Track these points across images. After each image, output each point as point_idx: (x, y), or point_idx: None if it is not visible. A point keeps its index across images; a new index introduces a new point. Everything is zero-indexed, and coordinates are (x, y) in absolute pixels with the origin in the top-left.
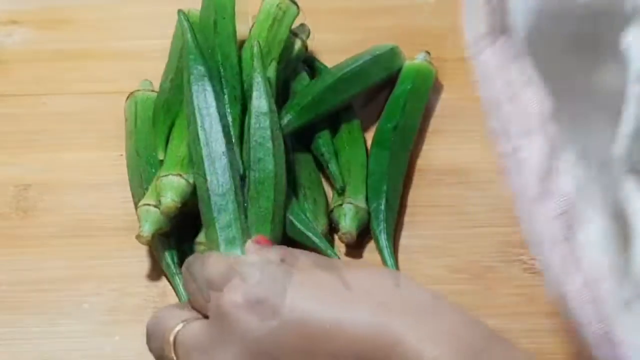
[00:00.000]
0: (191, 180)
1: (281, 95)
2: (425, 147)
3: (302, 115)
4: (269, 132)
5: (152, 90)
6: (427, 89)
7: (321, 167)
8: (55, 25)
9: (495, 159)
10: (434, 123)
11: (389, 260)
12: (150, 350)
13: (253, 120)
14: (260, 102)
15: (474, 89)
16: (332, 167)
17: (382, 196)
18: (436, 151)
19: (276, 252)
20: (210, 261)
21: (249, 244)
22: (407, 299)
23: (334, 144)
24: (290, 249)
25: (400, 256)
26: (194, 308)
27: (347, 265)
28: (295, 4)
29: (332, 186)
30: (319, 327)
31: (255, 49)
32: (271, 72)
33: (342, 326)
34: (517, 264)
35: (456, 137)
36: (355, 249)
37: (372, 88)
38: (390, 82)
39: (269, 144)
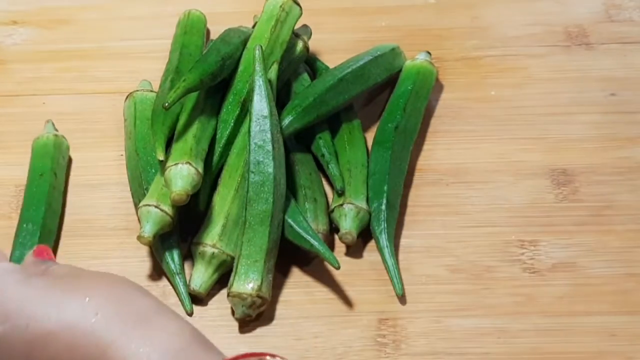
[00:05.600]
0: (201, 170)
1: (282, 96)
2: (426, 147)
3: (303, 116)
4: (269, 135)
5: (151, 91)
6: (428, 89)
7: (321, 167)
8: (55, 25)
9: (495, 159)
10: (435, 123)
11: (389, 260)
12: None
13: (253, 124)
14: (261, 105)
15: (474, 89)
16: (333, 167)
17: (383, 196)
18: (436, 151)
19: (38, 266)
20: None
21: (29, 253)
22: (131, 309)
23: (335, 144)
24: (56, 263)
25: (401, 256)
26: None
27: (90, 276)
28: (298, 4)
29: (333, 187)
30: (39, 333)
31: (257, 53)
32: (272, 73)
33: (61, 333)
34: (517, 264)
35: (456, 137)
36: (355, 249)
37: (373, 88)
38: (391, 82)
39: (269, 147)
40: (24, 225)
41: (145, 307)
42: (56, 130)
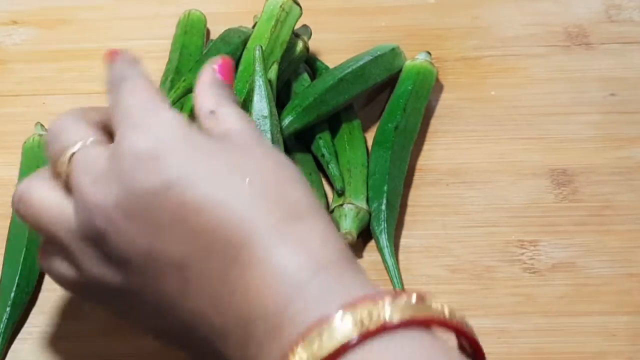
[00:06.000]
0: None
1: (282, 96)
2: (426, 147)
3: (303, 116)
4: (269, 136)
5: None
6: (428, 89)
7: (321, 167)
8: (55, 25)
9: (495, 159)
10: (435, 123)
11: (390, 260)
12: (47, 153)
13: None
14: (261, 105)
15: (474, 89)
16: (333, 167)
17: (383, 196)
18: (436, 151)
19: (216, 100)
20: (140, 91)
21: (212, 67)
22: (290, 202)
23: (335, 144)
24: (231, 103)
25: (401, 256)
26: (102, 125)
27: (257, 152)
28: (298, 4)
29: (333, 187)
30: (195, 199)
31: (257, 53)
32: (272, 73)
33: (215, 206)
34: (517, 264)
35: (456, 137)
36: (355, 249)
37: (373, 88)
38: (391, 82)
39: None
40: (14, 226)
41: (304, 203)
42: (46, 130)
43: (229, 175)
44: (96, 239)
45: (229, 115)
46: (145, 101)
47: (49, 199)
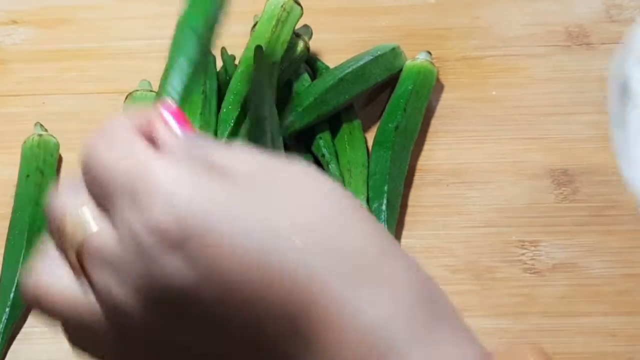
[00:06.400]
0: None
1: (282, 96)
2: (426, 147)
3: (304, 116)
4: (268, 136)
5: (151, 91)
6: (429, 89)
7: (322, 167)
8: (55, 25)
9: (496, 159)
10: (435, 123)
11: None
12: (50, 233)
13: (253, 124)
14: (260, 105)
15: (474, 89)
16: (333, 168)
17: (383, 196)
18: (437, 151)
19: (202, 148)
20: (118, 152)
21: (158, 108)
22: (350, 249)
23: (335, 144)
24: (218, 146)
25: None
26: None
27: (291, 189)
28: (299, 4)
29: None
30: (236, 285)
31: (258, 53)
32: (273, 73)
33: (256, 272)
34: (517, 264)
35: (457, 137)
36: None
37: (374, 88)
38: (391, 82)
39: (269, 148)
40: (13, 225)
41: (369, 247)
42: (45, 130)
43: (268, 225)
44: (129, 336)
45: (233, 159)
46: (137, 158)
47: (66, 291)
